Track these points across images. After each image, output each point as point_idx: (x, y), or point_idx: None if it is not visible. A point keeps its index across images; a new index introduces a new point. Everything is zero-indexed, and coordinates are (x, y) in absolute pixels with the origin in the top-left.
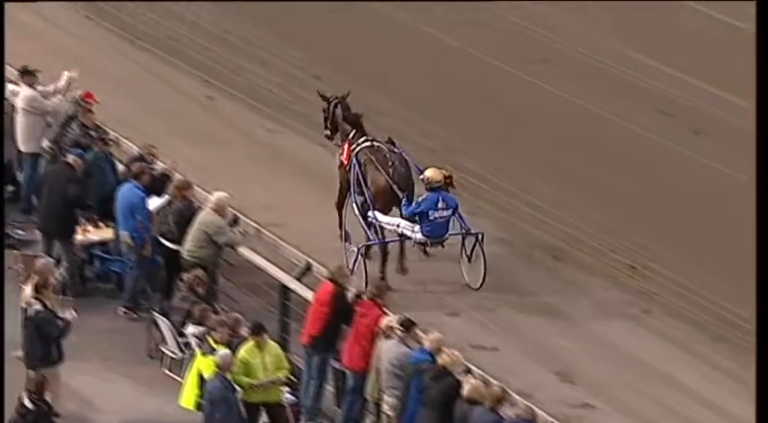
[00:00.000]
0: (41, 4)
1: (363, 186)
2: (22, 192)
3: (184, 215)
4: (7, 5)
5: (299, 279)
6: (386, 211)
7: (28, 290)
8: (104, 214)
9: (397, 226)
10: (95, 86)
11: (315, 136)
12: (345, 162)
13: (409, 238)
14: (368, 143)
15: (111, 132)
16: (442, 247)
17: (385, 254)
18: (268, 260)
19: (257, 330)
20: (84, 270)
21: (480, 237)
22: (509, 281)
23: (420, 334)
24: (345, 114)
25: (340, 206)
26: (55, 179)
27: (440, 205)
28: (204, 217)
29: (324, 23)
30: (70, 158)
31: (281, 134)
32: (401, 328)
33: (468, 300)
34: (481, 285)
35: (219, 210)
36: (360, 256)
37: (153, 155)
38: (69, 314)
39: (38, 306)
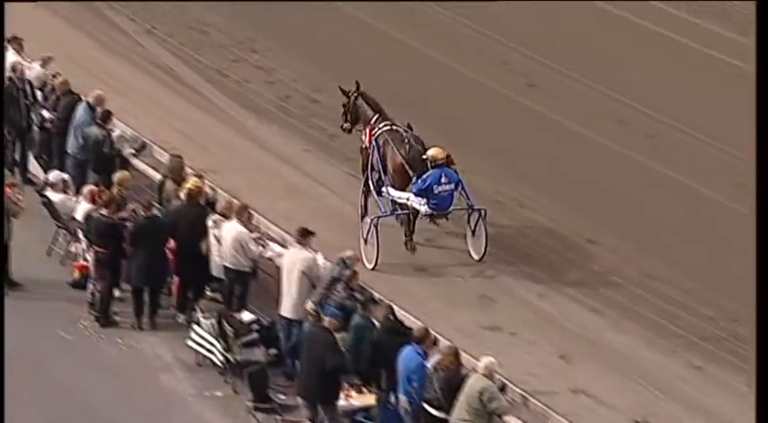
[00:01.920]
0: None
1: (380, 165)
2: (283, 355)
3: (452, 382)
4: None
5: None
6: (401, 188)
7: None
8: (367, 379)
9: (407, 200)
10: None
11: None
12: (367, 145)
13: (418, 211)
14: (387, 127)
15: (375, 294)
16: (446, 219)
17: (408, 222)
18: None
19: None
20: None
21: (483, 212)
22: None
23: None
24: (368, 102)
25: (366, 187)
26: (314, 344)
27: (443, 180)
28: (475, 383)
29: None
30: (326, 322)
31: None
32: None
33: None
34: (482, 257)
35: (489, 375)
36: (373, 227)
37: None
38: None
39: None
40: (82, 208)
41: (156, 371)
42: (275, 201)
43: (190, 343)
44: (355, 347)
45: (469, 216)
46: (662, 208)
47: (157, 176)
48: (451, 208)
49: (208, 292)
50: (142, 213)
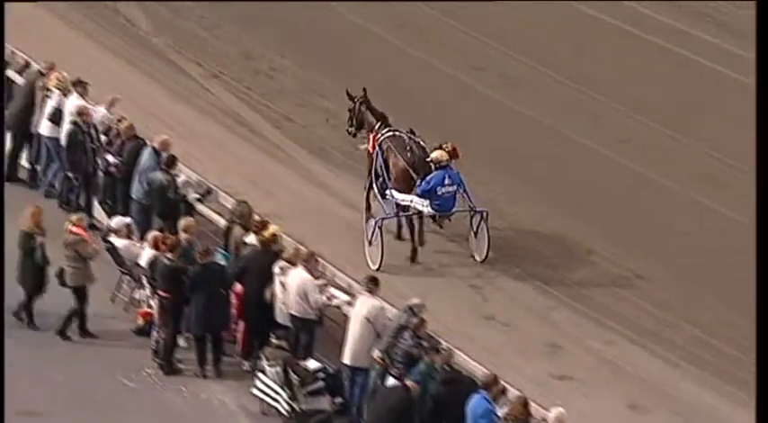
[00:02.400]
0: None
1: (383, 169)
2: (349, 404)
3: None
4: None
5: None
6: (404, 191)
7: None
8: None
9: (411, 202)
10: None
11: None
12: (371, 150)
13: (421, 212)
14: (390, 133)
15: (442, 342)
16: (449, 220)
17: (411, 224)
18: None
19: None
20: None
21: (485, 214)
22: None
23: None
24: (372, 109)
25: (369, 189)
26: (390, 400)
27: (446, 181)
28: None
29: None
30: (410, 384)
31: None
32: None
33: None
34: (485, 258)
35: None
36: (377, 229)
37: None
38: None
39: None
40: (146, 254)
41: (221, 419)
42: (340, 246)
43: (255, 391)
44: (420, 397)
45: (471, 218)
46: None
47: (222, 222)
48: (454, 209)
49: (273, 340)
50: (201, 260)
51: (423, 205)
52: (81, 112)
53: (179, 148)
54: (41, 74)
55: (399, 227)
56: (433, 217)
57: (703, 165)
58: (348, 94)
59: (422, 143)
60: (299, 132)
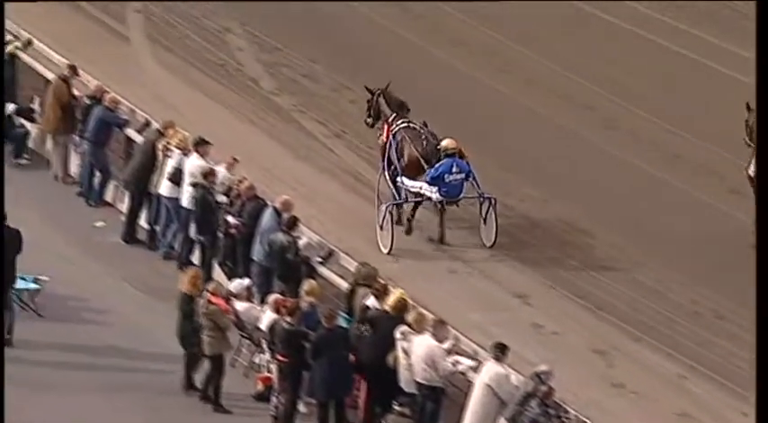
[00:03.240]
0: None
1: (396, 158)
2: None
3: None
4: None
5: None
6: (415, 178)
7: None
8: None
9: (420, 188)
10: None
11: None
12: (385, 140)
13: (430, 198)
14: (404, 124)
15: (571, 411)
16: (457, 206)
17: (414, 209)
18: None
19: None
20: None
21: (493, 201)
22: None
23: None
24: (389, 101)
25: (381, 176)
26: None
27: (454, 169)
28: None
29: None
30: None
31: None
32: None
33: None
34: (493, 244)
35: None
36: (388, 214)
37: None
38: None
39: None
40: (267, 317)
41: None
42: (467, 312)
43: None
44: None
45: (481, 205)
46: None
47: (344, 285)
48: (462, 196)
49: (396, 407)
50: (325, 324)
51: (431, 192)
52: (207, 174)
53: (300, 210)
54: (161, 133)
55: (408, 220)
56: (441, 203)
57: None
58: (367, 88)
59: (434, 133)
60: None
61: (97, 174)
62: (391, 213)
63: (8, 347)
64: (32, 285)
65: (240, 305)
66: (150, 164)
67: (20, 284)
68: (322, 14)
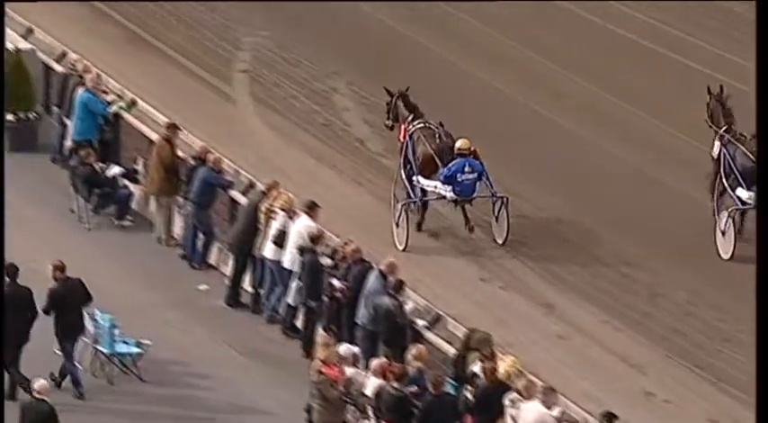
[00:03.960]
0: None
1: (412, 157)
2: None
3: None
4: None
5: None
6: (430, 177)
7: None
8: None
9: (435, 187)
10: None
11: None
12: (401, 140)
13: (444, 196)
14: (421, 124)
15: None
16: (470, 204)
17: (425, 206)
18: None
19: None
20: None
21: (505, 200)
22: None
23: None
24: (406, 103)
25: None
26: None
27: (466, 169)
28: None
29: None
30: None
31: None
32: None
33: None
34: (505, 241)
35: None
36: (403, 212)
37: None
38: None
39: None
40: (372, 383)
41: None
42: (577, 380)
43: None
44: None
45: (493, 204)
46: None
47: (452, 350)
48: (474, 194)
49: None
50: (433, 390)
51: (445, 190)
52: (315, 237)
53: (407, 272)
54: (265, 194)
55: (423, 219)
56: (454, 201)
57: None
58: (386, 89)
59: (449, 133)
60: (528, 254)
61: (201, 236)
62: (406, 211)
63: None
64: (135, 349)
65: (346, 371)
66: (254, 226)
67: (122, 348)
68: (427, 74)
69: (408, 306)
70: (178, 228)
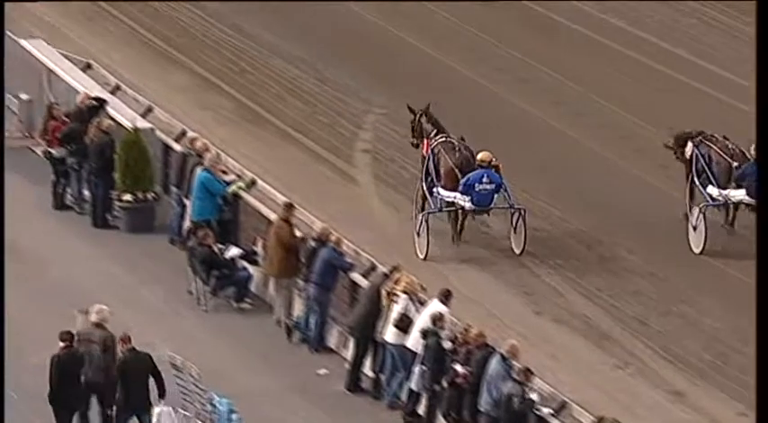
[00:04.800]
0: None
1: (434, 170)
2: None
3: None
4: None
5: None
6: (451, 189)
7: None
8: None
9: (454, 198)
10: None
11: None
12: (424, 154)
13: (462, 207)
14: (443, 138)
15: None
16: (488, 215)
17: (456, 221)
18: None
19: None
20: None
21: (523, 211)
22: None
23: None
24: (430, 120)
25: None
26: None
27: (485, 179)
28: None
29: None
30: None
31: None
32: None
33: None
34: (522, 251)
35: None
36: (424, 222)
37: None
38: None
39: None
40: None
41: None
42: None
43: None
44: None
45: (512, 215)
46: None
47: None
48: (492, 205)
49: None
50: None
51: (463, 201)
52: (437, 319)
53: (530, 357)
54: (387, 277)
55: (457, 232)
56: (472, 211)
57: None
58: (409, 107)
59: (469, 147)
60: (655, 339)
61: (320, 319)
62: (427, 222)
63: None
64: None
65: None
66: (376, 309)
67: None
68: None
69: (533, 393)
70: (298, 310)
